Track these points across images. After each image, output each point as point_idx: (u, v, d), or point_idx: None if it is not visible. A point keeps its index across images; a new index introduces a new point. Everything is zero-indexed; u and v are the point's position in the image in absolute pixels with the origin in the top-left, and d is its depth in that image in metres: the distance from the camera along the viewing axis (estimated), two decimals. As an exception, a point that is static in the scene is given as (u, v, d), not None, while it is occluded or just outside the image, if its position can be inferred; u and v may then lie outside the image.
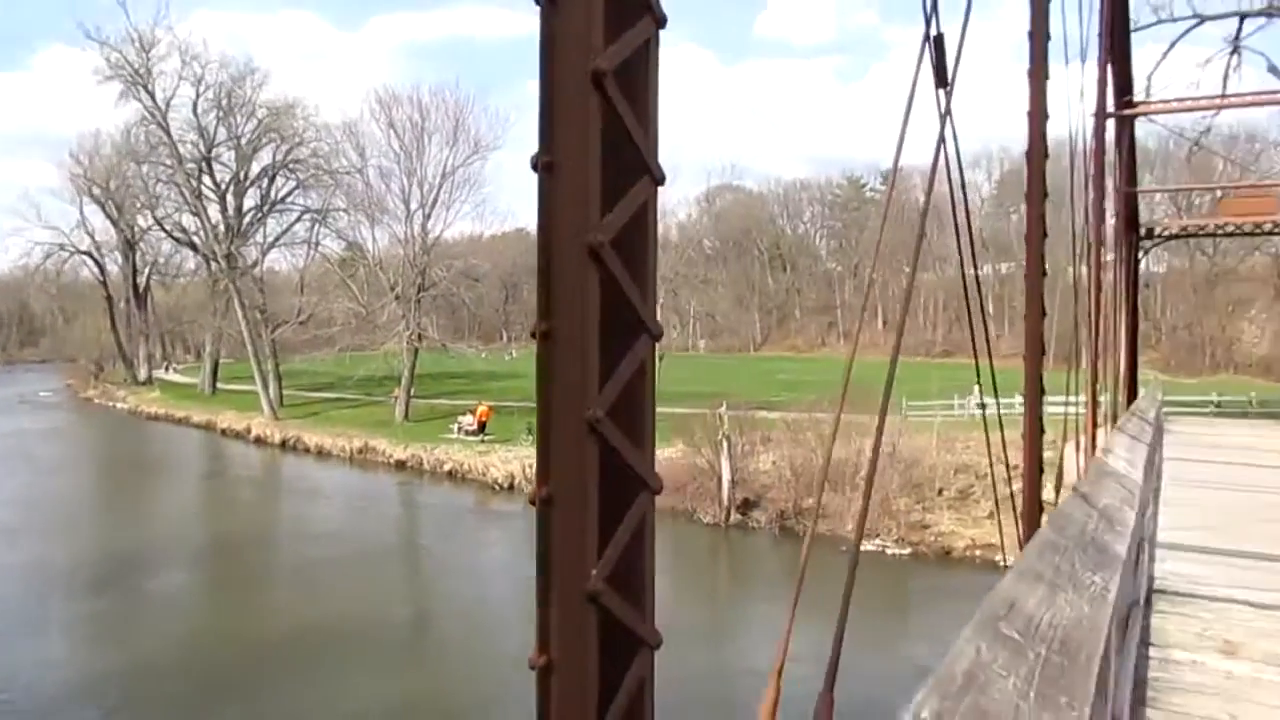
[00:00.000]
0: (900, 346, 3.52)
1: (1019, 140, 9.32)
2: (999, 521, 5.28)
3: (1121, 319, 21.23)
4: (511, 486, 32.45)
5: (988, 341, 5.00)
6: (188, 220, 59.79)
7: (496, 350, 74.96)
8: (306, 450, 42.56)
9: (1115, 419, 9.96)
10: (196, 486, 37.32)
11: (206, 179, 56.99)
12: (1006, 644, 1.25)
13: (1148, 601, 5.23)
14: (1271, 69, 34.92)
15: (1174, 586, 5.63)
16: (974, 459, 25.12)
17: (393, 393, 46.46)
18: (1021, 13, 6.31)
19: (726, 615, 19.59)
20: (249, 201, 58.93)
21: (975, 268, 5.64)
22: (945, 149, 4.27)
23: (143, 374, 73.27)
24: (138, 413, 59.20)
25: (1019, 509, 5.21)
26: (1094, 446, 6.98)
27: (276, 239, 59.48)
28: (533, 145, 1.55)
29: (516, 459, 33.04)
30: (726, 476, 25.63)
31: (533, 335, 1.55)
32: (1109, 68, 13.36)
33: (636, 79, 1.62)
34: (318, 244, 57.88)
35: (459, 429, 38.75)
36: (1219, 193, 33.00)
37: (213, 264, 57.01)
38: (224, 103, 56.59)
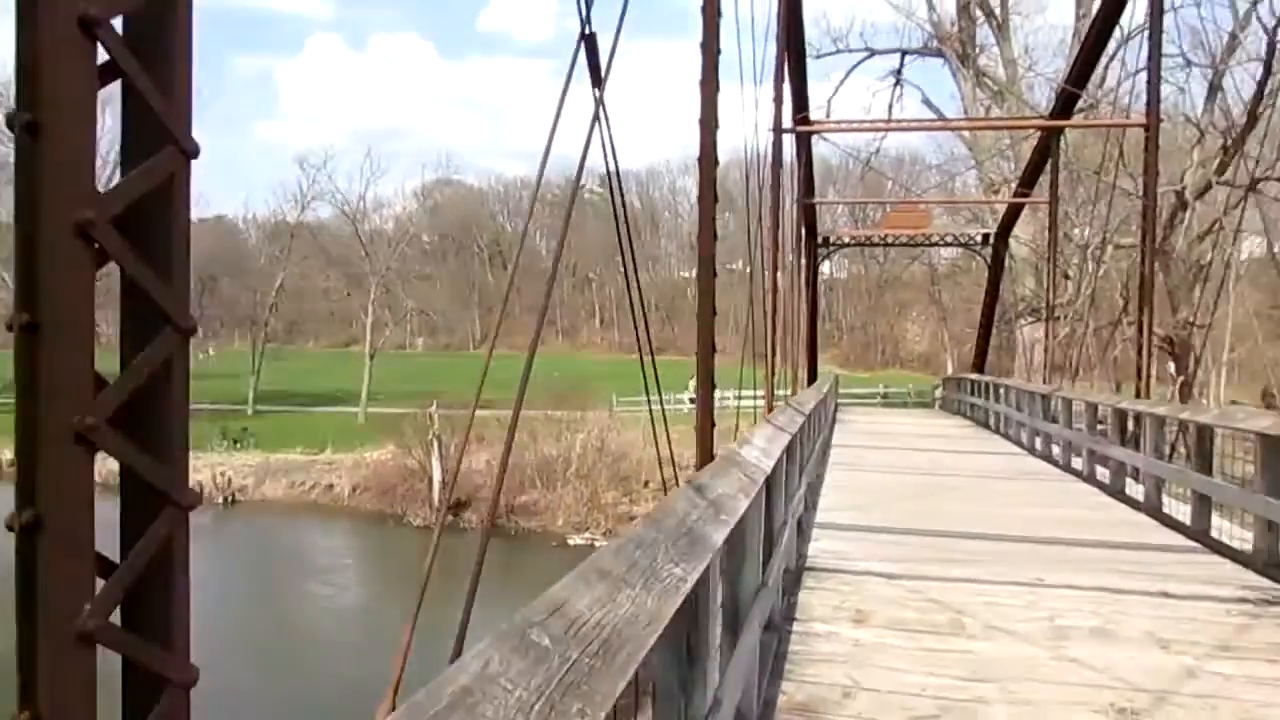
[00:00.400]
0: (537, 344, 3.53)
1: (732, 150, 9.85)
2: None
3: (803, 318, 23.31)
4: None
5: (650, 341, 5.15)
6: None
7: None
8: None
9: (788, 411, 10.81)
10: None
11: None
12: (530, 652, 1.19)
13: (799, 580, 5.67)
14: (925, 100, 39.44)
15: (823, 563, 6.16)
16: (679, 451, 26.46)
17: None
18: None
19: (421, 618, 19.09)
20: None
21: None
22: (605, 145, 4.36)
23: None
24: None
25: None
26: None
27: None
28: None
29: (206, 466, 30.27)
30: (437, 477, 25.09)
31: (9, 328, 1.30)
32: (786, 88, 14.54)
33: (153, 32, 1.41)
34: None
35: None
36: (888, 208, 36.98)
37: None
38: None
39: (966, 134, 33.40)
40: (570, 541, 23.05)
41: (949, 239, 26.17)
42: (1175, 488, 8.59)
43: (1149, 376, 11.36)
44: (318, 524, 27.40)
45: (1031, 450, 13.58)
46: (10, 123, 1.29)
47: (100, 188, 1.34)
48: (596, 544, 24.01)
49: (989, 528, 7.65)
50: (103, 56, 1.34)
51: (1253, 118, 21.98)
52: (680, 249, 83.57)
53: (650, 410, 4.91)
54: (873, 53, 36.97)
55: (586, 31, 3.86)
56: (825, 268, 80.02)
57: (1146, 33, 12.71)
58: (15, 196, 1.30)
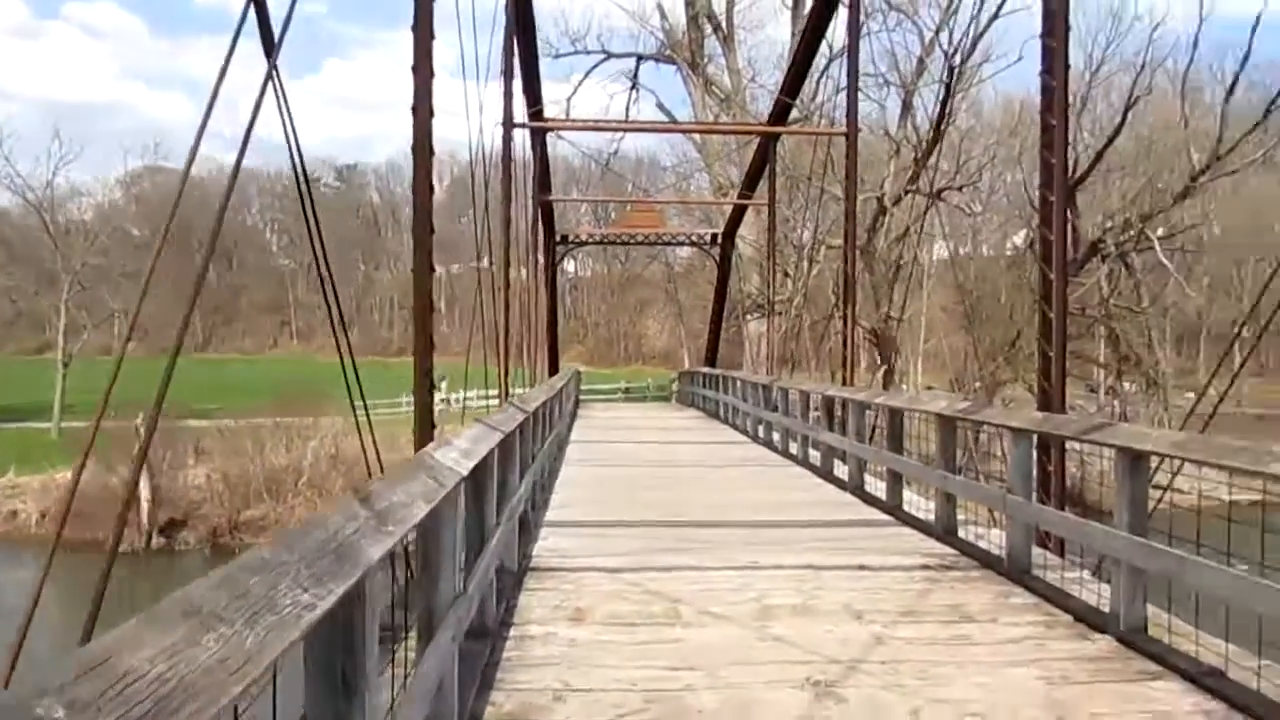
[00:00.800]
0: (180, 346, 3.12)
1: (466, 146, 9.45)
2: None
3: (544, 315, 23.39)
4: None
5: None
6: None
7: None
8: None
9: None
10: None
11: None
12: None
13: (520, 581, 5.52)
14: (660, 105, 40.78)
15: (548, 562, 6.06)
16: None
17: None
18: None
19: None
20: None
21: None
22: (284, 120, 3.96)
23: None
24: None
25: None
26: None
27: None
28: None
29: None
30: (146, 496, 22.66)
31: None
32: (518, 84, 14.41)
33: None
34: None
35: None
36: (629, 207, 37.93)
37: None
38: None
39: (697, 138, 35.05)
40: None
41: (681, 238, 27.30)
42: (876, 467, 9.36)
43: (854, 365, 12.37)
44: (-6, 558, 23.84)
45: (755, 438, 14.37)
46: None
47: None
48: (331, 556, 22.72)
49: (712, 515, 7.92)
50: None
51: (937, 134, 24.67)
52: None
53: (354, 413, 4.55)
54: (609, 55, 37.83)
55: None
56: (570, 266, 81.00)
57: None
58: None
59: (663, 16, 36.40)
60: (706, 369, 23.01)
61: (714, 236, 25.60)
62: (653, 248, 47.46)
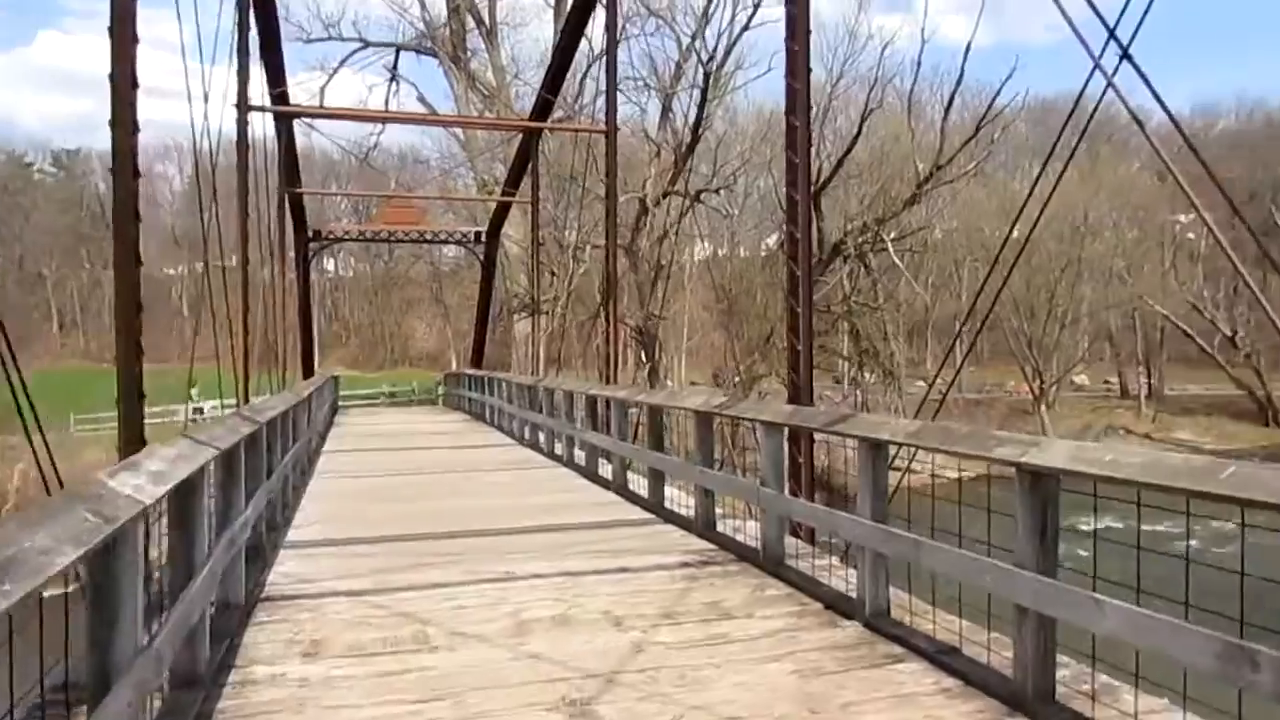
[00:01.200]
0: None
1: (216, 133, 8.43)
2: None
3: (294, 315, 21.86)
4: None
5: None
6: None
7: None
8: None
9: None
10: None
11: None
12: None
13: (249, 616, 4.91)
14: (421, 98, 39.62)
15: (284, 591, 5.46)
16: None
17: None
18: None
19: None
20: None
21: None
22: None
23: None
24: None
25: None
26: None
27: None
28: None
29: None
30: None
31: None
32: (252, 66, 13.27)
33: None
34: None
35: None
36: (386, 202, 36.48)
37: None
38: None
39: (461, 134, 34.27)
40: None
41: (443, 236, 26.50)
42: (640, 465, 9.35)
43: (619, 363, 12.39)
44: None
45: (522, 440, 14.08)
46: None
47: None
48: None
49: (470, 523, 7.54)
50: None
51: (695, 137, 25.51)
52: (165, 243, 74.02)
53: (25, 429, 3.81)
54: (367, 44, 36.19)
55: None
56: (330, 265, 77.02)
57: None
58: None
59: (423, 7, 35.26)
60: (472, 371, 22.43)
61: (477, 235, 25.05)
62: (419, 246, 45.97)
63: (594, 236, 22.75)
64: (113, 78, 5.49)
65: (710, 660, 4.11)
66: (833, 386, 39.43)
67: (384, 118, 24.04)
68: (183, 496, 3.58)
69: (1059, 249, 45.86)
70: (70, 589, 2.63)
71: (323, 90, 34.42)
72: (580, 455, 10.74)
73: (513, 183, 20.85)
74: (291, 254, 21.04)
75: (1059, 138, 7.02)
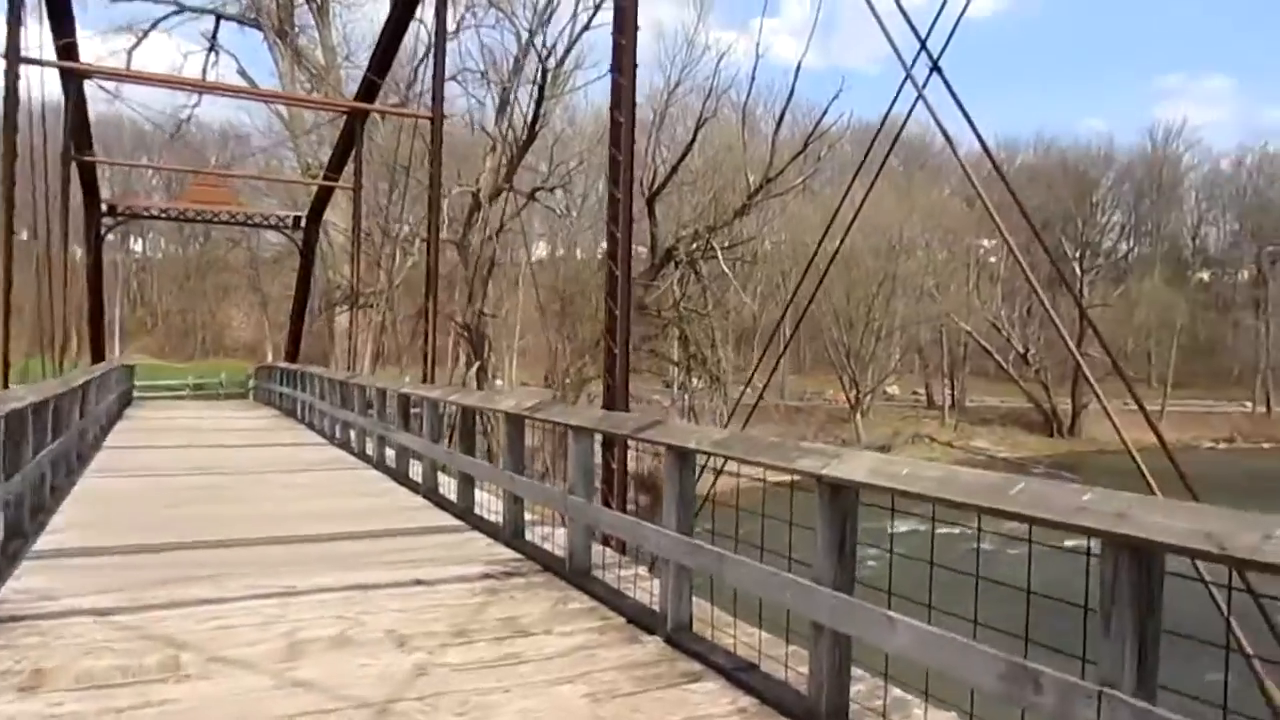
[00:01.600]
0: None
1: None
2: None
3: (84, 295, 19.90)
4: None
5: None
6: None
7: None
8: None
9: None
10: None
11: None
12: None
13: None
14: (241, 71, 37.22)
15: (15, 610, 4.73)
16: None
17: None
18: None
19: None
20: None
21: None
22: None
23: None
24: None
25: None
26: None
27: None
28: None
29: None
30: None
31: None
32: (33, 15, 11.91)
33: None
34: None
35: None
36: (193, 179, 33.97)
37: None
38: None
39: (285, 113, 32.37)
40: None
41: (257, 218, 24.85)
42: (453, 468, 8.91)
43: (434, 361, 11.86)
44: None
45: (333, 439, 13.28)
46: None
47: None
48: None
49: (258, 531, 6.91)
50: None
51: (531, 133, 25.11)
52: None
53: None
54: (183, 9, 33.62)
55: None
56: (137, 246, 71.36)
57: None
58: None
59: (246, -27, 33.15)
60: (285, 364, 21.11)
61: (296, 220, 23.60)
62: (238, 230, 43.13)
63: (424, 229, 21.93)
64: None
65: (499, 684, 3.80)
66: (663, 391, 39.94)
67: (199, 87, 22.30)
68: None
69: (876, 265, 48.49)
70: None
71: (130, 53, 31.74)
72: (391, 456, 10.16)
73: (335, 168, 19.76)
74: (82, 229, 19.16)
75: (870, 147, 7.17)
